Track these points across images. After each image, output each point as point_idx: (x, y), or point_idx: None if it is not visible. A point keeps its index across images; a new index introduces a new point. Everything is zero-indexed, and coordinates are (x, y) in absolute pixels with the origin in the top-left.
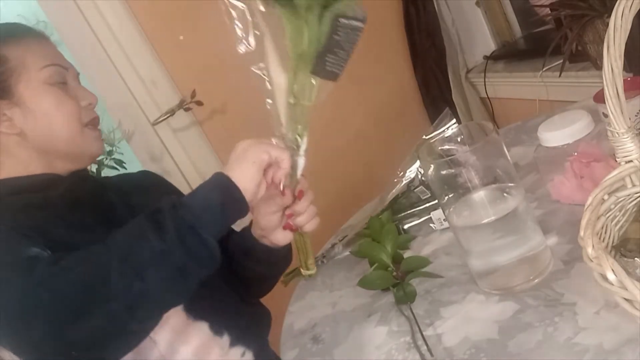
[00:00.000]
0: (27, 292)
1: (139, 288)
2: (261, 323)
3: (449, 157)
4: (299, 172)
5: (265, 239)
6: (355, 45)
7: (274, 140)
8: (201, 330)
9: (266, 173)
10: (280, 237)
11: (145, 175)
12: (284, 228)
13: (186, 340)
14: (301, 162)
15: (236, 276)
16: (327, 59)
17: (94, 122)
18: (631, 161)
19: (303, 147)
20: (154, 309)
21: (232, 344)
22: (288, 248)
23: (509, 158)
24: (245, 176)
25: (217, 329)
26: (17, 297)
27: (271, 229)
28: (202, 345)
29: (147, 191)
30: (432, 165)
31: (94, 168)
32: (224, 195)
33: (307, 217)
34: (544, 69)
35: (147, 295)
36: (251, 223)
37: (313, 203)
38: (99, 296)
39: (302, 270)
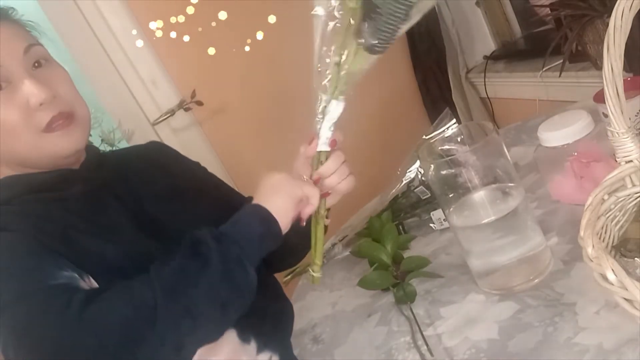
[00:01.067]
0: (60, 332)
1: (187, 326)
2: (285, 322)
3: (449, 157)
4: (326, 136)
5: None
6: (401, 22)
7: (304, 177)
8: (230, 339)
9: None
10: None
11: (154, 149)
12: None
13: (216, 351)
14: (326, 132)
15: None
16: (366, 24)
17: (55, 121)
18: (631, 161)
19: (333, 114)
20: (197, 346)
21: (259, 349)
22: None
23: (509, 158)
24: (281, 209)
25: (245, 336)
26: (49, 335)
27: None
28: (231, 355)
29: (165, 171)
30: (432, 165)
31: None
32: (264, 227)
33: (336, 179)
34: (544, 69)
35: (194, 334)
36: None
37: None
38: (145, 337)
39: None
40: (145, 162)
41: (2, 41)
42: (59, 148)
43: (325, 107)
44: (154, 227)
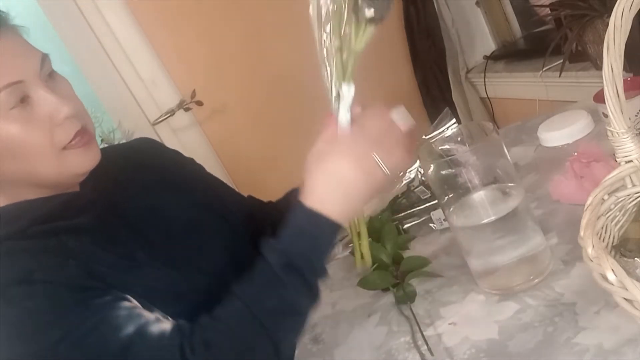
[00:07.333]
0: None
1: (282, 351)
2: None
3: (449, 157)
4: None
5: None
6: None
7: None
8: None
9: None
10: None
11: (142, 146)
12: None
13: None
14: (344, 116)
15: None
16: None
17: (77, 136)
18: (631, 161)
19: (347, 98)
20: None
21: None
22: None
23: (509, 158)
24: (345, 214)
25: None
26: None
27: None
28: None
29: (154, 166)
30: (432, 165)
31: None
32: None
33: None
34: (544, 69)
35: (282, 353)
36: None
37: None
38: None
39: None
40: (135, 162)
41: (19, 54)
42: (80, 165)
43: (337, 93)
44: (161, 241)
